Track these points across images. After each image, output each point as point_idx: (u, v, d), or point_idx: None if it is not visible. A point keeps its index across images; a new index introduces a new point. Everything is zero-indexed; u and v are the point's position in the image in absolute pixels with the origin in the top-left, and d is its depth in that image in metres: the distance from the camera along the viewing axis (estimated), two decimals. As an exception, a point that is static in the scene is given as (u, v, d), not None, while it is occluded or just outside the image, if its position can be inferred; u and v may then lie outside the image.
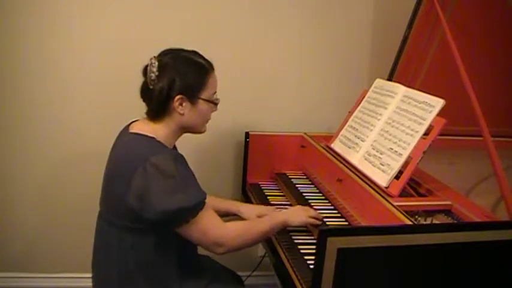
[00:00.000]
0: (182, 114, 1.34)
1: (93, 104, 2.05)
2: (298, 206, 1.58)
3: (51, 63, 1.99)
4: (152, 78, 1.30)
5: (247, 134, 2.02)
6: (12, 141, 2.05)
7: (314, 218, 1.50)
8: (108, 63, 2.01)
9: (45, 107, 2.03)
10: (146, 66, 1.32)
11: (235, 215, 1.65)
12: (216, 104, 1.41)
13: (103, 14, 1.97)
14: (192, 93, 1.33)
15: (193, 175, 1.32)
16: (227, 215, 1.64)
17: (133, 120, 1.42)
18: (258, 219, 1.47)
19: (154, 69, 1.30)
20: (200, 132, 1.44)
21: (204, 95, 1.35)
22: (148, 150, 1.26)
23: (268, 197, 1.83)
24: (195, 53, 1.39)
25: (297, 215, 1.49)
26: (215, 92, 1.40)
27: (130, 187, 1.23)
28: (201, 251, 1.49)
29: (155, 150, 1.26)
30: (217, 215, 1.32)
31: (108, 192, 1.35)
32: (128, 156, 1.28)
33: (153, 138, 1.31)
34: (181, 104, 1.32)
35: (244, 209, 1.66)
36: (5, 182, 2.09)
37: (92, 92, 2.04)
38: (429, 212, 1.38)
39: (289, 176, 1.97)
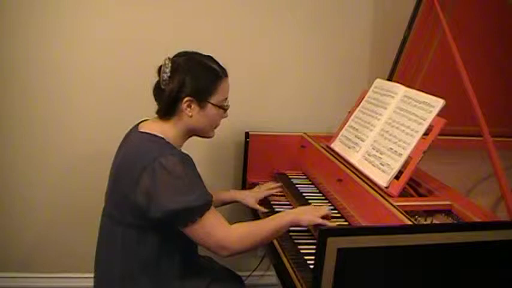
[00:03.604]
0: (190, 117, 1.35)
1: (95, 104, 2.04)
2: (310, 206, 1.56)
3: (54, 64, 1.98)
4: (164, 78, 1.32)
5: (247, 134, 2.02)
6: (14, 142, 2.05)
7: (325, 217, 1.44)
8: (111, 63, 2.01)
9: (46, 108, 2.03)
10: (161, 66, 1.35)
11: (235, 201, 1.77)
12: (225, 110, 1.42)
13: (106, 14, 1.97)
14: (201, 97, 1.35)
15: (200, 176, 1.33)
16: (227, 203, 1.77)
17: (143, 119, 1.43)
18: (264, 220, 1.43)
19: (167, 70, 1.32)
20: (208, 137, 1.45)
21: (214, 99, 1.37)
22: (158, 151, 1.27)
23: (268, 197, 1.83)
24: (209, 57, 1.40)
25: (307, 213, 1.43)
26: (226, 98, 1.41)
27: (138, 185, 1.25)
28: (202, 251, 1.49)
29: (164, 151, 1.28)
30: (222, 217, 1.31)
31: (115, 189, 1.36)
32: (138, 154, 1.29)
33: (162, 138, 1.33)
34: (189, 106, 1.34)
35: (244, 196, 1.77)
36: (6, 182, 2.09)
37: (94, 93, 2.04)
38: (429, 212, 1.38)
39: (289, 176, 1.97)
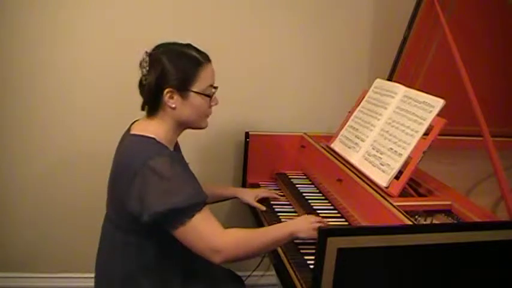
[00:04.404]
0: (174, 108, 1.31)
1: (94, 104, 2.04)
2: (303, 217, 1.45)
3: (52, 63, 1.99)
4: (144, 73, 1.30)
5: (247, 134, 2.02)
6: (13, 141, 2.05)
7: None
8: (109, 63, 2.01)
9: (45, 106, 2.03)
10: (141, 62, 1.32)
11: (235, 197, 1.79)
12: (209, 97, 1.35)
13: (104, 13, 1.97)
14: (181, 86, 1.30)
15: (193, 177, 1.30)
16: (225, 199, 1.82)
17: (135, 120, 1.41)
18: (263, 228, 1.38)
19: (146, 64, 1.30)
20: (200, 128, 1.39)
21: (196, 87, 1.31)
22: (147, 153, 1.24)
23: (268, 197, 1.83)
24: (188, 45, 1.36)
25: (304, 228, 1.36)
26: (212, 85, 1.35)
27: (131, 191, 1.22)
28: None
29: (153, 153, 1.24)
30: (217, 221, 1.26)
31: (112, 195, 1.35)
32: (128, 159, 1.27)
33: (153, 138, 1.29)
34: (171, 98, 1.30)
35: (243, 192, 1.79)
36: (5, 182, 2.09)
37: (93, 92, 2.04)
38: (429, 212, 1.38)
39: (289, 176, 1.97)
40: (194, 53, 1.34)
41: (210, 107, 1.38)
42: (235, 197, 1.79)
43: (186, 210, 1.21)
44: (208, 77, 1.34)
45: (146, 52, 1.32)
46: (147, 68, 1.29)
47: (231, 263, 1.64)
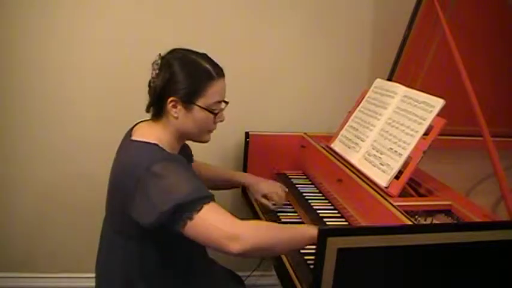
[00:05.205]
0: (176, 118, 1.28)
1: (94, 104, 2.04)
2: None
3: (53, 64, 1.98)
4: (153, 75, 1.28)
5: (247, 134, 2.02)
6: (13, 141, 2.05)
7: None
8: (109, 63, 2.00)
9: (45, 106, 2.03)
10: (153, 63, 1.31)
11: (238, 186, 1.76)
12: (215, 114, 1.31)
13: (104, 13, 1.97)
14: (186, 98, 1.27)
15: (196, 176, 1.27)
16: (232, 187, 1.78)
17: (139, 121, 1.39)
18: (285, 225, 1.31)
19: (156, 67, 1.28)
20: (201, 142, 1.37)
21: (201, 102, 1.27)
22: (150, 159, 1.20)
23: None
24: (203, 56, 1.32)
25: None
26: (219, 101, 1.31)
27: (134, 198, 1.20)
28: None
29: (156, 158, 1.21)
30: (230, 214, 1.18)
31: (112, 199, 1.33)
32: (131, 166, 1.23)
33: (155, 144, 1.26)
34: (174, 107, 1.27)
35: (257, 181, 1.70)
36: (5, 182, 2.09)
37: (93, 93, 2.03)
38: (429, 212, 1.38)
39: (289, 176, 1.97)
40: (208, 66, 1.29)
41: (215, 123, 1.34)
42: (242, 184, 1.72)
43: (191, 204, 1.15)
44: (217, 93, 1.30)
45: (160, 54, 1.29)
46: (157, 71, 1.27)
47: (231, 263, 1.64)
